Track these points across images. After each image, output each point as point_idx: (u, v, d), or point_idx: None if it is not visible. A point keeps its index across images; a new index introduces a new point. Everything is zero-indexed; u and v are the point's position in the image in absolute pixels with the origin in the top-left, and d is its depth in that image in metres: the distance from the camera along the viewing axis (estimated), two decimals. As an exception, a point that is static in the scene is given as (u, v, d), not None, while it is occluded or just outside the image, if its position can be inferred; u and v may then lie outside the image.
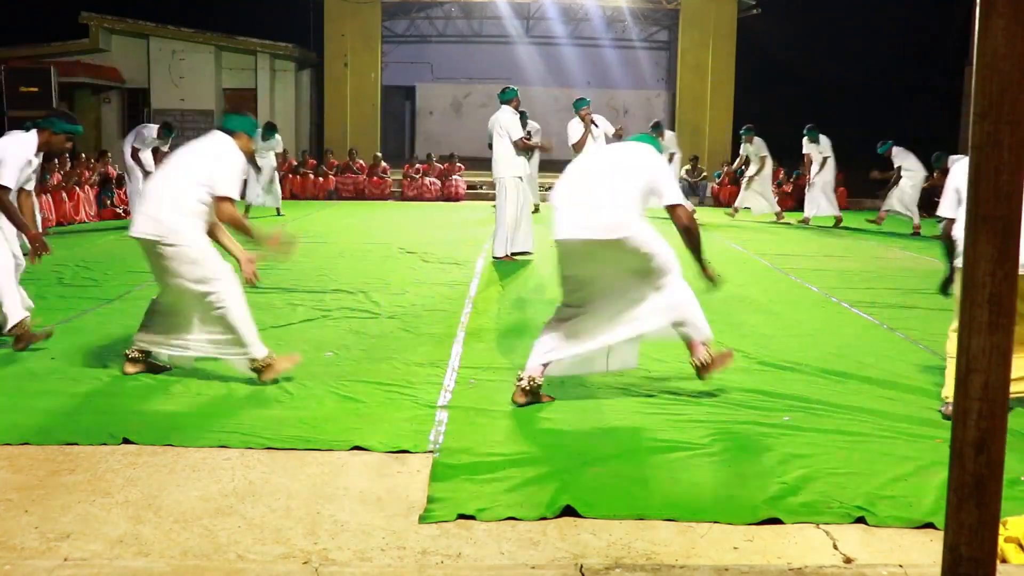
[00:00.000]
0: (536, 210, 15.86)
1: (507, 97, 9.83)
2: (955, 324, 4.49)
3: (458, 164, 19.11)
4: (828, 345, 6.01)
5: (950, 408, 4.41)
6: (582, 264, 4.50)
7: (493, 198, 10.20)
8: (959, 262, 4.60)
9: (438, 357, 5.52)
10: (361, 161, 19.41)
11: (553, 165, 19.35)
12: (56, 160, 13.52)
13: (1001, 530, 2.73)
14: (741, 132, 15.84)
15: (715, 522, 3.24)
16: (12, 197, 5.41)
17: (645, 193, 4.48)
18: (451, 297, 7.60)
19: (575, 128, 10.40)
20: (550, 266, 9.59)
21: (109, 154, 15.63)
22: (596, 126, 10.66)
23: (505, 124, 9.66)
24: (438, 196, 18.58)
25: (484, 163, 11.24)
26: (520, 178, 9.81)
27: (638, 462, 3.82)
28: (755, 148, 15.73)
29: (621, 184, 4.45)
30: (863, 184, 19.09)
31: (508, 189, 9.72)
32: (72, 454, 3.80)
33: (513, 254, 9.75)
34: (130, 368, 5.00)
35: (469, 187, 19.01)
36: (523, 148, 10.04)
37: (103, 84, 20.53)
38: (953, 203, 4.53)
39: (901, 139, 13.71)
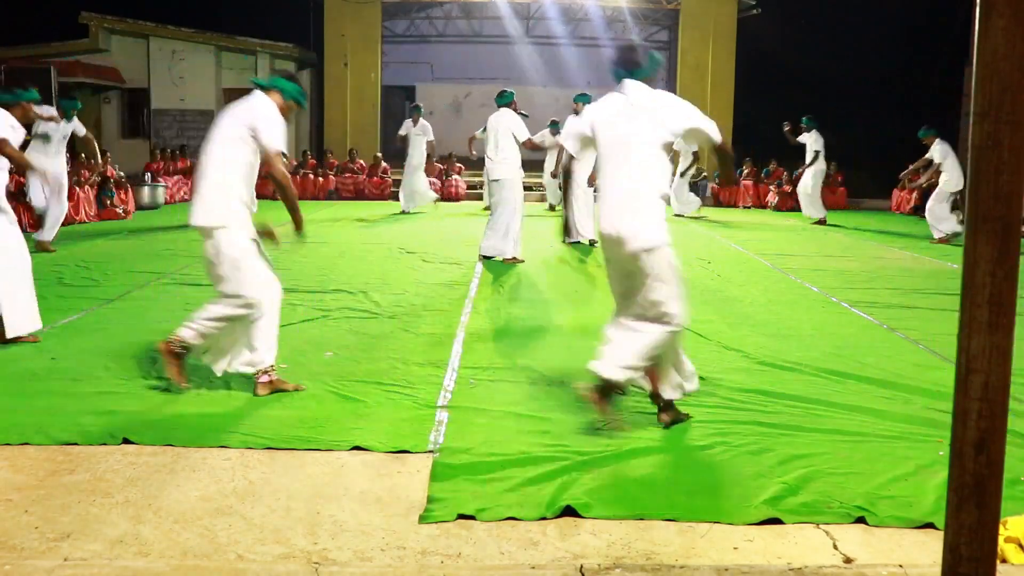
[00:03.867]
0: (552, 209, 16.01)
1: (507, 100, 9.81)
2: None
3: (458, 164, 19.11)
4: (828, 345, 6.01)
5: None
6: None
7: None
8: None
9: (438, 357, 5.52)
10: (361, 161, 19.40)
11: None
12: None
13: (1001, 530, 2.74)
14: None
15: (715, 522, 3.24)
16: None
17: None
18: (451, 297, 7.60)
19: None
20: (549, 267, 9.59)
21: (109, 154, 15.62)
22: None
23: (513, 127, 9.63)
24: (438, 196, 18.57)
25: (484, 163, 11.23)
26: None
27: (638, 462, 3.82)
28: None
29: None
30: (863, 184, 19.10)
31: (516, 190, 9.72)
32: (72, 454, 3.80)
33: (505, 260, 9.68)
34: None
35: (469, 187, 19.02)
36: (531, 149, 10.04)
37: (103, 84, 20.54)
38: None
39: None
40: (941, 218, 12.90)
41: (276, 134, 4.55)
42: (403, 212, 15.44)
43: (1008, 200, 2.12)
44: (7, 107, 5.90)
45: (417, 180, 15.39)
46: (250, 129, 4.53)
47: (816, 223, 15.08)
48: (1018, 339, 2.26)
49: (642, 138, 4.04)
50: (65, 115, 10.28)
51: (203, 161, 4.62)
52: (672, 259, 4.08)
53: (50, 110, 10.13)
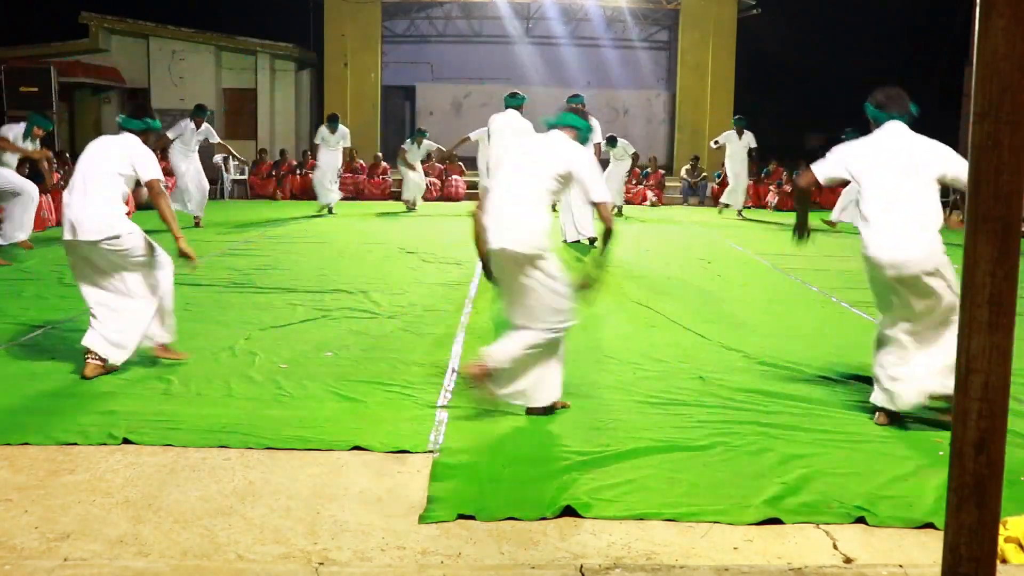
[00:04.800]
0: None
1: (518, 102, 9.80)
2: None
3: (459, 164, 19.11)
4: (828, 345, 6.01)
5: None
6: None
7: None
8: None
9: (438, 357, 5.52)
10: (361, 161, 19.41)
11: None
12: (56, 160, 13.51)
13: (1001, 530, 2.74)
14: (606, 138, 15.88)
15: (715, 522, 3.24)
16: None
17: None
18: (451, 297, 7.60)
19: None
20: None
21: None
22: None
23: (528, 133, 9.62)
24: (438, 196, 18.58)
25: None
26: None
27: (638, 462, 3.82)
28: (620, 148, 15.86)
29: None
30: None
31: None
32: (72, 454, 3.80)
33: None
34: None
35: (469, 187, 19.01)
36: None
37: (103, 84, 20.53)
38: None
39: None
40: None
41: (599, 179, 4.49)
42: (328, 209, 15.20)
43: (1008, 200, 2.12)
44: (137, 134, 5.38)
45: (327, 179, 15.21)
46: (567, 172, 4.41)
47: (738, 212, 15.75)
48: (1018, 339, 2.26)
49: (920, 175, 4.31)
50: (26, 133, 9.60)
51: (512, 186, 4.42)
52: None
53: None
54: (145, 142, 5.39)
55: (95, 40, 20.36)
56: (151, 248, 5.21)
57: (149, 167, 5.26)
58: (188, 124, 12.68)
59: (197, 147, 12.78)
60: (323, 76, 21.32)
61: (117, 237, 5.04)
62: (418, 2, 22.77)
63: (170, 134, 12.50)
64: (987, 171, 2.13)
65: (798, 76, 22.82)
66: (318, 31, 21.26)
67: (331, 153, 15.06)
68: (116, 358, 5.04)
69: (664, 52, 23.93)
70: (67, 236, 5.09)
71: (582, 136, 4.61)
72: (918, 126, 4.64)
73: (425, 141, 16.36)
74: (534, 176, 4.41)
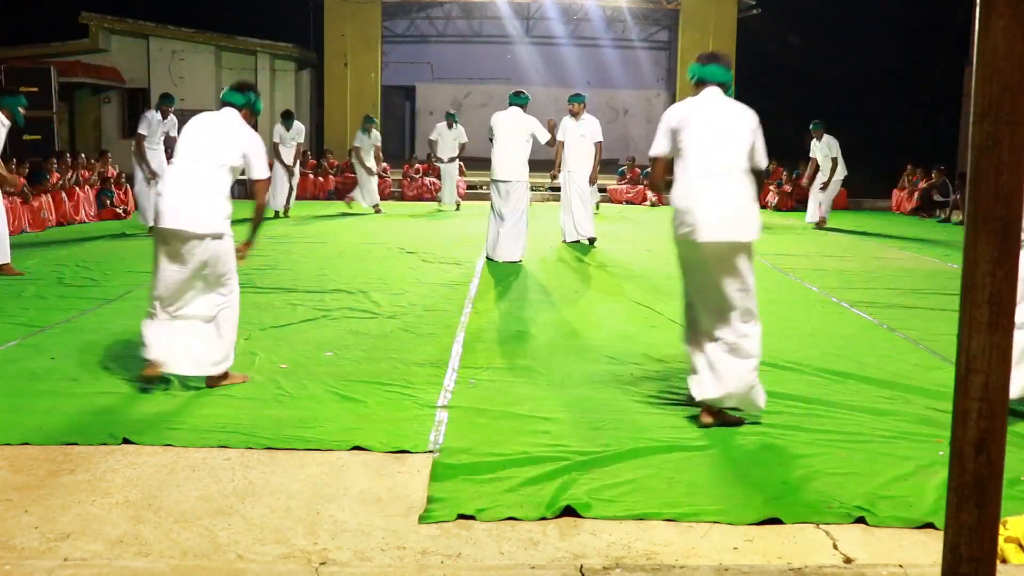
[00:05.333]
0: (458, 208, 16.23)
1: (523, 101, 9.84)
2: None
3: (459, 164, 19.10)
4: (828, 345, 6.01)
5: None
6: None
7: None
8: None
9: (438, 357, 5.52)
10: (361, 161, 19.39)
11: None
12: (55, 160, 13.50)
13: (1001, 530, 2.74)
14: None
15: (715, 522, 3.25)
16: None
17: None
18: (451, 297, 7.60)
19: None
20: (549, 267, 9.58)
21: (109, 154, 15.63)
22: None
23: (535, 129, 9.68)
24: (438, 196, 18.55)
25: (484, 163, 11.20)
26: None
27: (638, 462, 3.82)
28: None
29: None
30: (863, 184, 19.11)
31: (526, 192, 9.74)
32: (72, 454, 3.80)
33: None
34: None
35: (469, 187, 19.01)
36: (551, 146, 10.23)
37: (103, 84, 20.54)
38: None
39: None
40: (828, 204, 14.39)
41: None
42: (285, 213, 14.68)
43: (1008, 200, 2.12)
44: (238, 109, 4.99)
45: (288, 182, 14.71)
46: (753, 142, 4.11)
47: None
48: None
49: None
50: (15, 118, 8.44)
51: (721, 170, 4.09)
52: None
53: None
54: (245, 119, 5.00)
55: (95, 40, 20.37)
56: (233, 265, 4.85)
57: (262, 166, 4.91)
58: (155, 115, 11.50)
59: (163, 140, 11.43)
60: (323, 76, 21.33)
61: (220, 237, 4.70)
62: (418, 2, 22.79)
63: (141, 130, 11.44)
64: (987, 171, 2.13)
65: (798, 76, 22.81)
66: (318, 31, 21.27)
67: (287, 151, 14.54)
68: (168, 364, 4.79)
69: (664, 52, 23.94)
70: (170, 224, 4.63)
71: (732, 91, 4.24)
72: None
73: (374, 132, 15.71)
74: (731, 151, 4.04)
